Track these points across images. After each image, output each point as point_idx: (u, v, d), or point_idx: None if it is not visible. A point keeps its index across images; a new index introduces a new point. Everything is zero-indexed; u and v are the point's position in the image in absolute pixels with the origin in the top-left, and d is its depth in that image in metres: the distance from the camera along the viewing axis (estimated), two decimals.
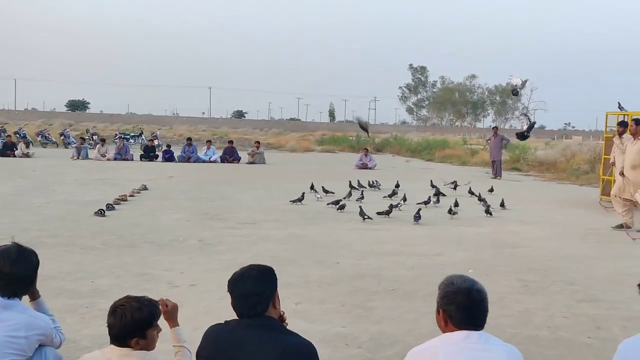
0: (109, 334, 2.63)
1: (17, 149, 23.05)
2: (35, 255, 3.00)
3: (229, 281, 2.67)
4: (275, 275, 2.70)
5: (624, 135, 10.34)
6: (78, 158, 22.45)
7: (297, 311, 5.16)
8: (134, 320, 2.56)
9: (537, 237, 9.19)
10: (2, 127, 28.17)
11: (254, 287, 2.58)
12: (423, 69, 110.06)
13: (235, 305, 2.62)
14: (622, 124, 10.86)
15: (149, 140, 26.39)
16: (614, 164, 10.76)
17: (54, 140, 30.18)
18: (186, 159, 22.98)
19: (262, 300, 2.58)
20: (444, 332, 2.42)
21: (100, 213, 9.81)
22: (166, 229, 8.88)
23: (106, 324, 2.64)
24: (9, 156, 22.24)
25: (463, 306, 2.35)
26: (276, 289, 2.67)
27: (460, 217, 10.92)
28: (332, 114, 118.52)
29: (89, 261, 6.84)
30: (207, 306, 5.28)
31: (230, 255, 7.26)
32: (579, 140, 36.49)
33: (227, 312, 2.79)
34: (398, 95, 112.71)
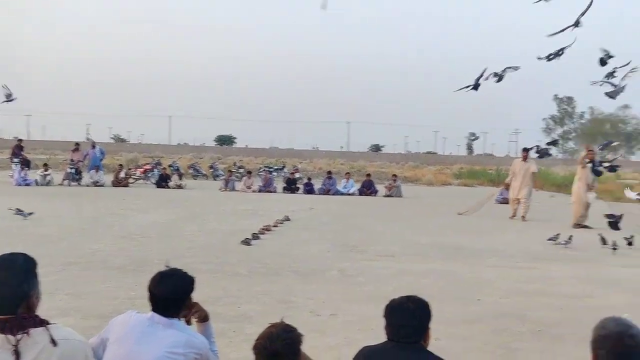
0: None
1: (171, 180, 24.77)
2: (185, 279, 3.14)
3: (387, 307, 2.78)
4: (430, 310, 2.77)
5: None
6: (226, 189, 23.69)
7: (437, 347, 5.06)
8: None
9: None
10: (158, 160, 30.47)
11: (411, 319, 2.69)
12: (570, 100, 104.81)
13: (389, 331, 2.73)
14: None
15: (290, 173, 27.29)
16: None
17: (204, 172, 32.08)
18: (326, 191, 23.49)
19: (416, 332, 2.69)
20: None
21: (247, 242, 10.29)
22: (308, 259, 9.12)
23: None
24: (163, 187, 23.94)
25: (614, 352, 2.21)
26: (429, 324, 2.75)
27: (619, 254, 10.22)
28: (470, 147, 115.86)
29: (236, 287, 7.18)
30: (348, 337, 5.34)
31: (371, 287, 7.30)
32: None
33: (368, 344, 2.85)
34: (542, 127, 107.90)
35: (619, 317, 2.32)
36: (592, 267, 9.26)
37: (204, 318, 3.28)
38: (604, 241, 10.96)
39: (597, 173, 13.86)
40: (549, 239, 11.30)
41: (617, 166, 13.81)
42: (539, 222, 15.08)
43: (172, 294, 3.06)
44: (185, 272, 3.18)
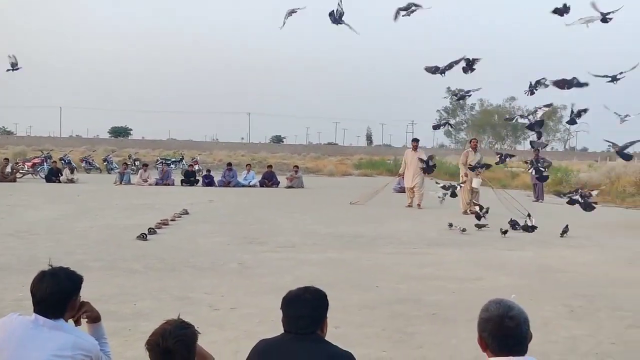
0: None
1: (62, 174, 23.63)
2: (70, 277, 2.95)
3: (284, 299, 2.76)
4: (327, 300, 2.77)
5: None
6: (121, 183, 22.90)
7: (337, 335, 5.13)
8: None
9: (583, 262, 8.97)
10: (48, 153, 28.95)
11: (308, 310, 2.69)
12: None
13: (285, 323, 2.72)
14: None
15: (189, 165, 26.76)
16: None
17: (98, 166, 30.86)
18: (226, 183, 23.23)
19: (314, 322, 2.69)
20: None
21: (143, 237, 9.96)
22: (207, 253, 8.97)
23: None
24: (54, 182, 22.81)
25: (494, 334, 2.31)
26: (326, 314, 2.75)
27: (504, 239, 10.78)
28: (369, 138, 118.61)
29: (131, 284, 6.94)
30: (248, 330, 5.29)
31: (271, 279, 7.28)
32: (624, 162, 35.59)
33: (267, 336, 2.82)
34: (436, 119, 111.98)
35: (502, 300, 2.41)
36: (482, 252, 9.71)
37: (94, 319, 3.13)
38: (479, 227, 12.01)
39: (472, 169, 14.73)
40: (449, 225, 12.03)
41: (481, 167, 14.93)
42: (434, 210, 15.64)
43: (55, 294, 2.89)
44: (71, 271, 3.01)
